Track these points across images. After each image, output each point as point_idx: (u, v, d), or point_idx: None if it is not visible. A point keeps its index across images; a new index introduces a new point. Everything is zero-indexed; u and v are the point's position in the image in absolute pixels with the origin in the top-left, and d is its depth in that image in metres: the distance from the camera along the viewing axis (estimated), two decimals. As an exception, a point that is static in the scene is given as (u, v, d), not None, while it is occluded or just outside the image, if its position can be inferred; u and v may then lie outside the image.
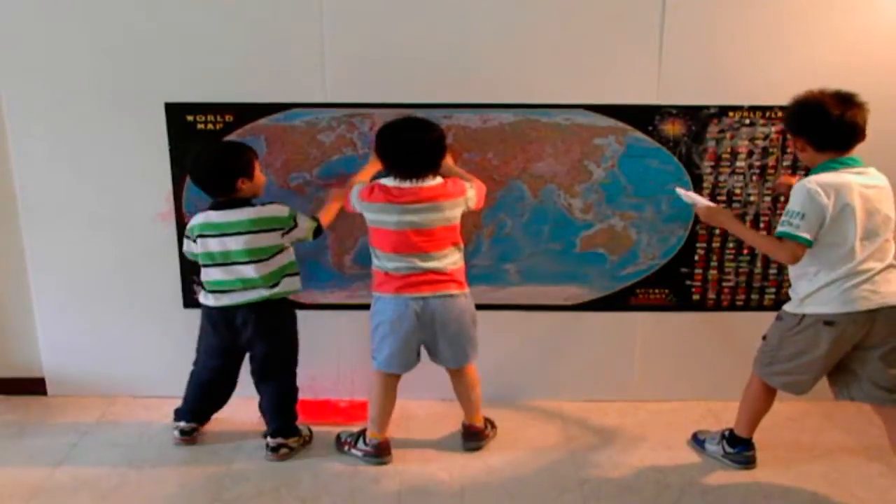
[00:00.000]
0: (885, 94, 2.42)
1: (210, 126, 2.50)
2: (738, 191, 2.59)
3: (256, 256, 2.30)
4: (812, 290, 2.10)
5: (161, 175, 2.54)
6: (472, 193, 2.34)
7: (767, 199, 2.59)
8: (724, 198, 2.59)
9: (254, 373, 2.44)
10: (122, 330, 2.71)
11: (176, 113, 2.49)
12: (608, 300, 2.69)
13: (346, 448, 2.44)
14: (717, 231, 2.60)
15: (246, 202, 2.31)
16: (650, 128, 2.52)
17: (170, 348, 2.68)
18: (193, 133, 2.50)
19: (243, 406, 2.59)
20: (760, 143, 2.54)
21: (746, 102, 2.50)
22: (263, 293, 2.33)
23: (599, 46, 2.46)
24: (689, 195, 2.43)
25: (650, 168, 2.55)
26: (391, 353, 2.32)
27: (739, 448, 2.37)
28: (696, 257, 2.65)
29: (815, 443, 2.53)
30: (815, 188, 2.02)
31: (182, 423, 2.49)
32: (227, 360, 2.44)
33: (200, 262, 2.35)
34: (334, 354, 2.74)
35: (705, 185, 2.58)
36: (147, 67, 2.46)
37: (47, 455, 2.42)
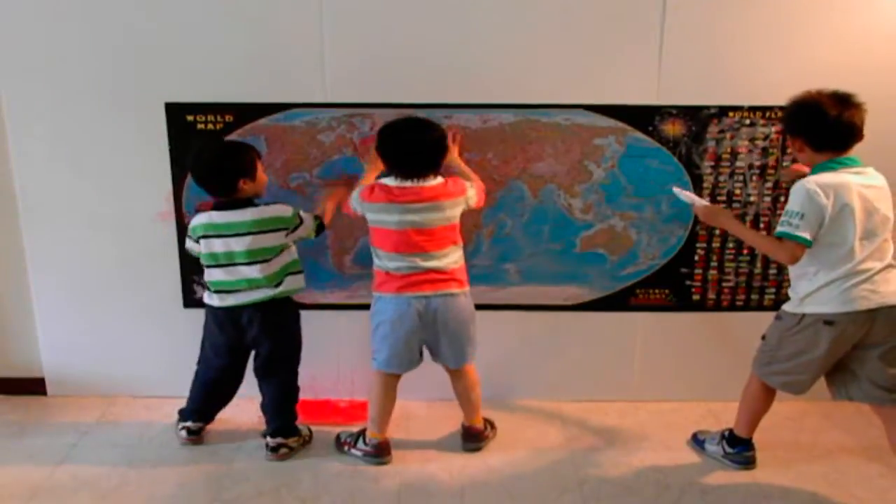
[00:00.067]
0: (885, 95, 2.42)
1: (210, 126, 2.50)
2: (737, 191, 2.59)
3: (261, 257, 2.30)
4: (812, 290, 2.11)
5: (161, 175, 2.54)
6: (473, 192, 2.34)
7: (767, 199, 2.59)
8: (723, 198, 2.59)
9: (257, 370, 2.44)
10: (122, 330, 2.71)
11: (176, 113, 2.49)
12: (608, 300, 2.69)
13: (346, 448, 2.44)
14: (717, 231, 2.60)
15: (248, 202, 2.31)
16: (650, 128, 2.52)
17: (170, 348, 2.69)
18: (193, 133, 2.50)
19: (244, 406, 2.59)
20: (760, 143, 2.54)
21: (746, 103, 2.50)
22: (268, 292, 2.33)
23: (599, 46, 2.46)
24: (685, 194, 2.43)
25: (650, 168, 2.55)
26: (391, 353, 2.32)
27: (739, 448, 2.37)
28: (696, 257, 2.65)
29: (815, 443, 2.53)
30: (813, 188, 2.03)
31: (189, 423, 2.49)
32: (232, 359, 2.44)
33: (203, 262, 2.35)
34: (334, 354, 2.74)
35: (705, 185, 2.58)
36: (147, 67, 2.46)
37: (47, 455, 2.42)
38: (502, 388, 2.75)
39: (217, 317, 2.38)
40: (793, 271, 2.18)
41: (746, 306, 2.69)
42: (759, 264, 2.65)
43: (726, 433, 2.41)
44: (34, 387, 2.79)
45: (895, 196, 2.12)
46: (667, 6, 2.41)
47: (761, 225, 2.61)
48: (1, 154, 2.55)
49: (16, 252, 2.65)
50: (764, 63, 2.47)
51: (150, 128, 2.50)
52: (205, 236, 2.31)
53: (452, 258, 2.31)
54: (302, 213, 2.37)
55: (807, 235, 2.03)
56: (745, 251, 2.64)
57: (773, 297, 2.67)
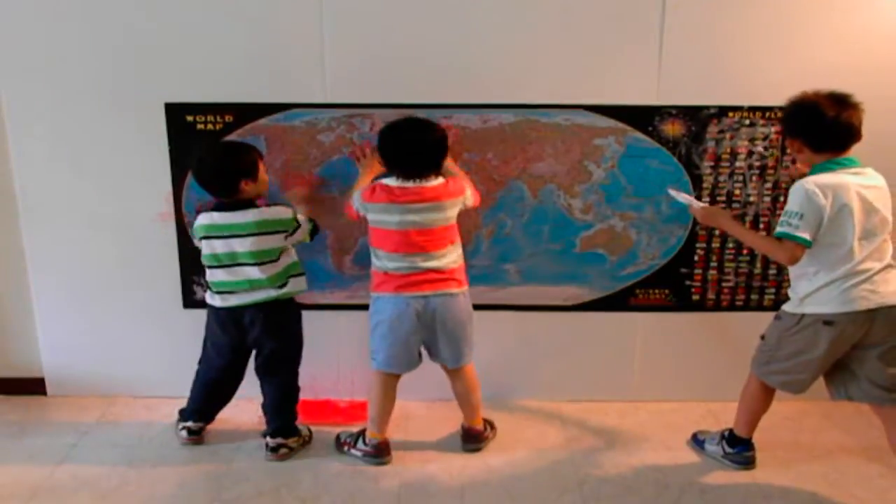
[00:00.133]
0: (885, 95, 2.43)
1: (210, 126, 2.50)
2: (737, 191, 2.59)
3: (264, 258, 2.30)
4: (811, 290, 2.11)
5: (161, 175, 2.54)
6: (470, 192, 2.35)
7: (767, 199, 2.59)
8: (723, 198, 2.59)
9: (258, 370, 2.44)
10: (122, 330, 2.71)
11: (176, 113, 2.49)
12: (608, 300, 2.69)
13: (346, 448, 2.44)
14: (717, 231, 2.60)
15: (250, 203, 2.30)
16: (650, 128, 2.52)
17: (170, 348, 2.69)
18: (193, 133, 2.50)
19: (244, 406, 2.59)
20: (760, 143, 2.55)
21: (746, 103, 2.50)
22: (272, 293, 2.33)
23: (599, 46, 2.46)
24: (681, 196, 2.43)
25: (650, 168, 2.55)
26: (390, 352, 2.32)
27: (739, 448, 2.37)
28: (696, 257, 2.65)
29: (815, 443, 2.53)
30: (812, 188, 2.03)
31: (190, 423, 2.49)
32: (234, 359, 2.44)
33: (205, 262, 2.35)
34: (334, 354, 2.74)
35: (705, 185, 2.58)
36: (147, 67, 2.46)
37: (47, 455, 2.42)
38: (502, 388, 2.75)
39: (219, 317, 2.38)
40: (792, 271, 2.18)
41: (746, 306, 2.69)
42: (758, 264, 2.66)
43: (726, 433, 2.41)
44: (34, 387, 2.79)
45: (895, 196, 2.12)
46: (667, 6, 2.42)
47: (761, 225, 2.61)
48: (1, 154, 2.55)
49: (16, 252, 2.65)
50: (764, 63, 2.47)
51: (150, 128, 2.50)
52: (206, 237, 2.31)
53: (451, 258, 2.31)
54: (299, 216, 2.37)
55: (806, 236, 2.03)
56: (745, 251, 2.64)
57: (772, 297, 2.67)
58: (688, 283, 2.68)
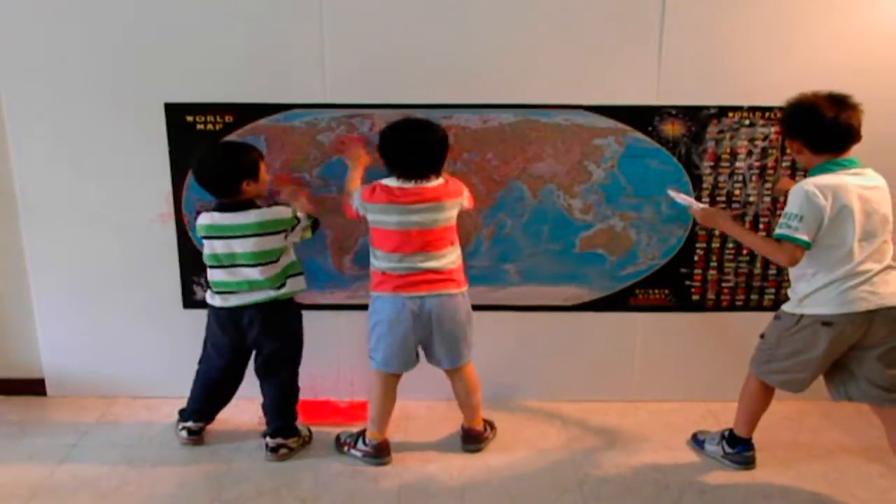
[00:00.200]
0: (885, 95, 2.43)
1: (210, 126, 2.50)
2: (737, 191, 2.59)
3: (264, 259, 2.30)
4: (810, 291, 2.11)
5: (161, 175, 2.54)
6: (468, 192, 2.35)
7: (767, 199, 2.59)
8: (723, 198, 2.59)
9: (258, 370, 2.44)
10: (122, 330, 2.71)
11: (176, 113, 2.49)
12: (608, 300, 2.69)
13: (346, 448, 2.44)
14: (717, 231, 2.60)
15: (251, 204, 2.30)
16: (650, 128, 2.52)
17: (170, 348, 2.69)
18: (193, 133, 2.50)
19: (244, 406, 2.59)
20: (760, 143, 2.55)
21: (746, 103, 2.50)
22: (271, 294, 2.33)
23: (599, 46, 2.46)
24: (680, 197, 2.43)
25: (650, 168, 2.55)
26: (389, 352, 2.32)
27: (739, 448, 2.37)
28: (696, 258, 2.65)
29: (815, 443, 2.53)
30: (812, 190, 2.03)
31: (190, 423, 2.49)
32: (234, 359, 2.44)
33: (206, 262, 2.35)
34: (334, 354, 2.74)
35: (705, 185, 2.58)
36: (147, 67, 2.46)
37: (47, 455, 2.42)
38: (502, 388, 2.75)
39: (219, 317, 2.38)
40: (792, 272, 2.18)
41: (746, 306, 2.70)
42: (758, 264, 2.66)
43: (726, 433, 2.41)
44: (34, 387, 2.79)
45: (894, 197, 2.12)
46: (666, 6, 2.42)
47: (761, 226, 2.61)
48: (1, 154, 2.55)
49: (16, 252, 2.65)
50: (763, 63, 2.47)
51: (150, 128, 2.50)
52: (207, 237, 2.31)
53: (450, 258, 2.31)
54: (299, 213, 2.37)
55: (805, 237, 2.03)
56: (745, 251, 2.64)
57: (772, 297, 2.68)
58: (688, 283, 2.68)
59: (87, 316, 2.70)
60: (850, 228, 2.03)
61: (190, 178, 2.46)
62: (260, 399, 2.48)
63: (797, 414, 2.68)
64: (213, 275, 2.35)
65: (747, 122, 2.52)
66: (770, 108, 2.49)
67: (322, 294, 2.66)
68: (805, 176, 2.14)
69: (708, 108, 2.51)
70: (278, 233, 2.31)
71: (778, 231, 2.08)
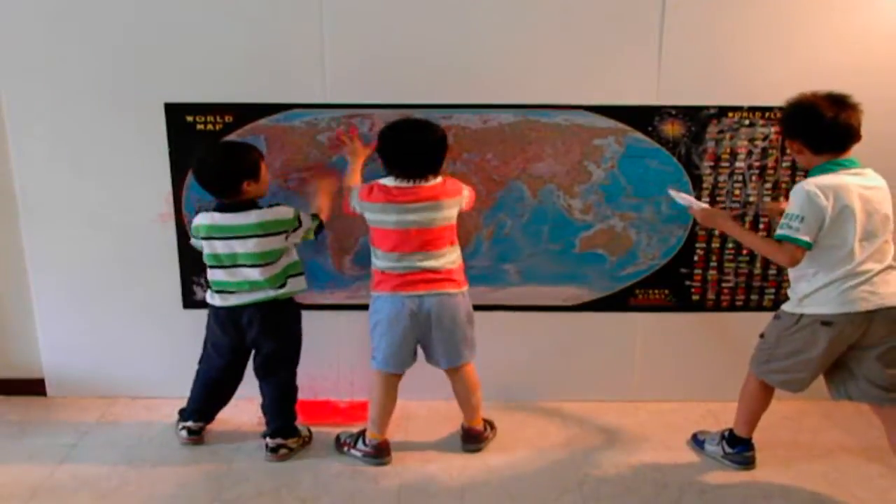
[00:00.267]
0: (885, 96, 2.43)
1: (210, 126, 2.50)
2: (737, 191, 2.59)
3: (264, 260, 2.30)
4: (811, 291, 2.11)
5: (161, 175, 2.54)
6: (467, 193, 2.35)
7: (767, 199, 2.59)
8: (723, 198, 2.59)
9: (257, 370, 2.44)
10: (122, 330, 2.71)
11: (176, 113, 2.49)
12: (608, 301, 2.69)
13: (346, 448, 2.44)
14: (717, 232, 2.60)
15: (251, 204, 2.30)
16: (650, 128, 2.52)
17: (170, 348, 2.69)
18: (193, 133, 2.50)
19: (244, 406, 2.60)
20: (760, 143, 2.55)
21: (746, 103, 2.50)
22: (271, 293, 2.33)
23: (599, 46, 2.46)
24: (681, 196, 2.43)
25: (650, 169, 2.55)
26: (389, 351, 2.32)
27: (739, 448, 2.37)
28: (696, 258, 2.65)
29: (815, 443, 2.53)
30: (813, 190, 2.03)
31: (190, 423, 2.49)
32: (234, 359, 2.44)
33: (206, 262, 2.35)
34: (334, 354, 2.74)
35: (704, 185, 2.58)
36: (147, 67, 2.46)
37: (47, 455, 2.42)
38: (502, 388, 2.75)
39: (219, 317, 2.38)
40: (792, 272, 2.18)
41: (746, 306, 2.70)
42: (758, 265, 2.66)
43: (726, 433, 2.41)
44: (34, 387, 2.79)
45: (895, 197, 2.12)
46: (667, 6, 2.42)
47: (761, 226, 2.61)
48: (1, 154, 2.55)
49: (16, 252, 2.65)
50: (763, 63, 2.47)
51: (150, 128, 2.50)
52: (209, 237, 2.31)
53: (450, 258, 2.31)
54: (301, 214, 2.37)
55: (807, 238, 2.03)
56: (745, 252, 2.64)
57: (772, 297, 2.68)
58: (687, 283, 2.68)
59: (87, 316, 2.70)
60: (852, 228, 2.03)
61: (190, 178, 2.46)
62: (259, 399, 2.48)
63: (797, 414, 2.68)
64: (214, 275, 2.35)
65: (747, 122, 2.52)
66: (770, 108, 2.49)
67: (322, 294, 2.66)
68: (805, 176, 2.14)
69: (708, 108, 2.51)
70: (279, 233, 2.31)
71: (779, 232, 2.08)
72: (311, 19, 2.42)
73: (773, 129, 2.53)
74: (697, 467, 2.39)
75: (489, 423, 2.56)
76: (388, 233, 2.26)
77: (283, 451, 2.41)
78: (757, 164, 2.56)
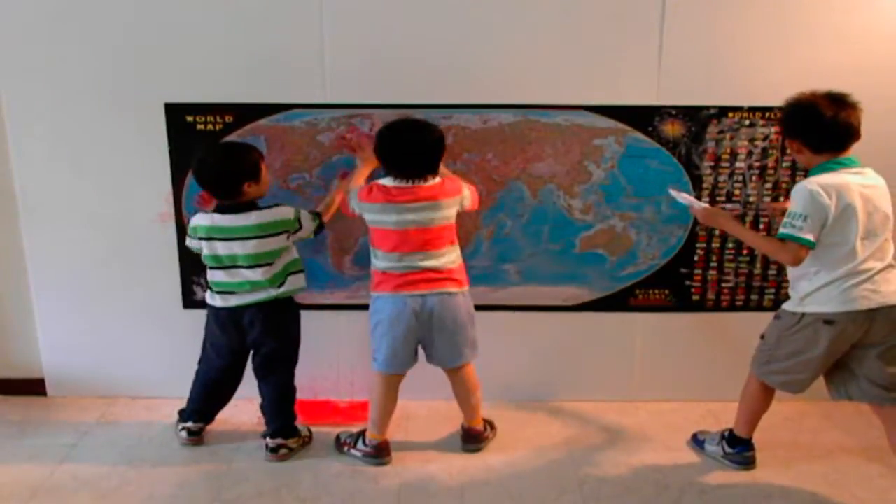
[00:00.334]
0: (885, 95, 2.43)
1: (210, 126, 2.50)
2: (737, 191, 2.59)
3: (264, 261, 2.29)
4: (812, 290, 2.11)
5: (161, 175, 2.55)
6: (467, 192, 2.35)
7: (767, 199, 2.59)
8: (723, 198, 2.59)
9: (256, 370, 2.44)
10: (122, 330, 2.71)
11: (176, 113, 2.49)
12: (608, 301, 2.69)
13: (346, 449, 2.44)
14: (717, 231, 2.60)
15: (252, 205, 2.30)
16: (650, 128, 2.52)
17: (170, 349, 2.69)
18: (193, 133, 2.50)
19: (244, 406, 2.60)
20: (760, 143, 2.55)
21: (746, 103, 2.50)
22: (272, 293, 2.33)
23: (599, 46, 2.46)
24: (682, 196, 2.43)
25: (650, 169, 2.55)
26: (390, 352, 2.32)
27: (739, 448, 2.37)
28: (696, 258, 2.65)
29: (815, 443, 2.53)
30: (816, 189, 2.02)
31: (189, 424, 2.49)
32: (234, 360, 2.44)
33: (206, 262, 2.35)
34: (334, 354, 2.74)
35: (705, 185, 2.58)
36: (147, 67, 2.46)
37: (47, 455, 2.42)
38: (502, 389, 2.75)
39: (218, 317, 2.38)
40: (793, 271, 2.18)
41: (746, 306, 2.70)
42: (758, 265, 2.66)
43: (726, 433, 2.41)
44: (34, 387, 2.79)
45: (894, 196, 2.12)
46: (667, 6, 2.42)
47: (761, 226, 2.61)
48: (1, 154, 2.55)
49: (16, 252, 2.65)
50: (763, 63, 2.47)
51: (150, 128, 2.50)
52: (209, 238, 2.30)
53: (450, 258, 2.31)
54: (302, 214, 2.37)
55: (810, 237, 2.03)
56: (745, 251, 2.64)
57: (772, 297, 2.67)
58: (688, 283, 2.68)
59: (87, 316, 2.70)
60: (854, 227, 2.03)
61: (190, 178, 2.46)
62: (259, 399, 2.47)
63: (797, 414, 2.68)
64: (214, 275, 2.35)
65: (747, 122, 2.52)
66: (770, 108, 2.49)
67: (322, 294, 2.66)
68: (805, 176, 2.14)
69: (708, 108, 2.51)
70: (279, 234, 2.31)
71: (782, 230, 2.07)
72: (311, 19, 2.42)
73: (773, 129, 2.53)
74: (698, 467, 2.39)
75: (489, 423, 2.56)
76: (389, 233, 2.26)
77: (283, 451, 2.41)
78: (757, 164, 2.56)
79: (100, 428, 2.60)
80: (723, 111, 2.51)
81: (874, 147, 2.14)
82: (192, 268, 2.59)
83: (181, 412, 2.53)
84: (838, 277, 2.06)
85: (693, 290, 2.69)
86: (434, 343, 2.34)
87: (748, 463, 2.37)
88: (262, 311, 2.34)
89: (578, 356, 2.76)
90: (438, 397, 2.60)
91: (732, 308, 2.70)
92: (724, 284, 2.68)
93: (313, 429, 2.55)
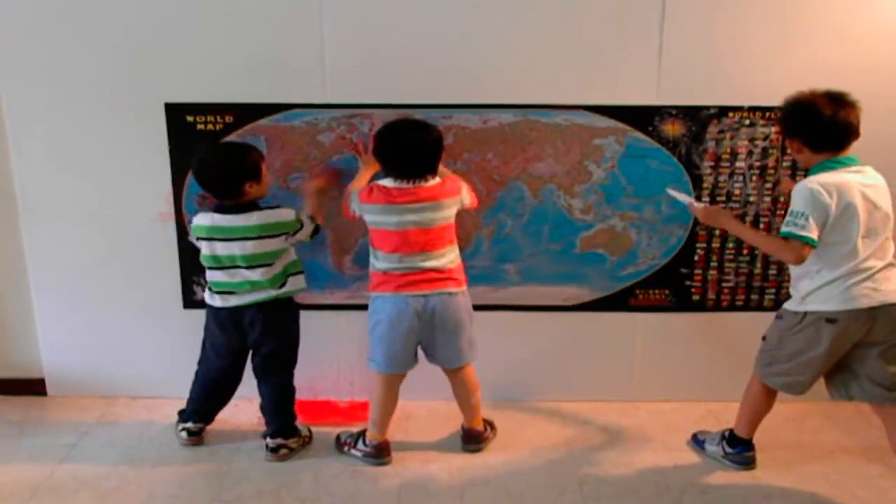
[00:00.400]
0: (885, 95, 2.43)
1: (210, 126, 2.50)
2: (737, 191, 2.59)
3: (264, 261, 2.29)
4: (814, 289, 2.11)
5: (161, 175, 2.55)
6: (466, 192, 2.35)
7: (767, 199, 2.59)
8: (723, 198, 2.59)
9: (256, 370, 2.44)
10: (122, 330, 2.71)
11: (176, 113, 2.49)
12: (608, 301, 2.69)
13: (346, 448, 2.44)
14: (717, 231, 2.60)
15: (252, 206, 2.30)
16: (650, 128, 2.52)
17: (170, 348, 2.69)
18: (193, 133, 2.50)
19: (244, 406, 2.60)
20: (760, 143, 2.54)
21: (746, 103, 2.50)
22: (272, 293, 2.33)
23: (599, 46, 2.46)
24: (681, 196, 2.43)
25: (650, 168, 2.55)
26: (390, 352, 2.31)
27: (739, 448, 2.37)
28: (696, 258, 2.65)
29: (816, 443, 2.53)
30: (817, 188, 2.02)
31: (189, 424, 2.49)
32: (233, 360, 2.44)
33: (204, 263, 2.35)
34: (334, 354, 2.74)
35: (705, 185, 2.58)
36: (147, 67, 2.46)
37: (47, 455, 2.42)
38: (502, 389, 2.75)
39: (218, 317, 2.38)
40: (795, 270, 2.18)
41: (746, 306, 2.69)
42: (758, 264, 2.65)
43: (726, 433, 2.41)
44: (34, 387, 2.79)
45: (894, 195, 2.12)
46: (667, 6, 2.42)
47: (761, 225, 2.61)
48: (1, 154, 2.55)
49: (16, 252, 2.65)
50: (764, 63, 2.47)
51: (150, 128, 2.50)
52: (209, 238, 2.30)
53: (450, 258, 2.31)
54: (302, 216, 2.37)
55: (813, 235, 2.02)
56: (745, 251, 2.64)
57: (772, 297, 2.67)
58: (688, 283, 2.68)
59: (87, 316, 2.70)
60: (855, 226, 2.03)
61: (190, 178, 2.46)
62: (258, 399, 2.47)
63: (798, 415, 2.67)
64: (213, 276, 2.34)
65: (747, 122, 2.52)
66: (770, 108, 2.49)
67: (322, 294, 2.66)
68: (805, 175, 2.14)
69: (708, 108, 2.51)
70: (279, 235, 2.31)
71: (784, 229, 2.07)
72: (311, 19, 2.42)
73: (773, 129, 2.53)
74: (698, 468, 2.39)
75: (489, 424, 2.56)
76: (389, 234, 2.26)
77: (283, 451, 2.41)
78: (757, 163, 2.56)
79: (100, 428, 2.60)
80: (723, 111, 2.51)
81: (874, 146, 2.14)
82: (192, 268, 2.59)
83: (181, 412, 2.53)
84: (840, 276, 2.06)
85: (693, 289, 2.68)
86: (435, 343, 2.34)
87: (748, 463, 2.37)
88: (262, 312, 2.34)
89: (578, 356, 2.76)
90: (438, 397, 2.60)
91: (733, 308, 2.70)
92: (724, 284, 2.68)
93: (313, 429, 2.55)
